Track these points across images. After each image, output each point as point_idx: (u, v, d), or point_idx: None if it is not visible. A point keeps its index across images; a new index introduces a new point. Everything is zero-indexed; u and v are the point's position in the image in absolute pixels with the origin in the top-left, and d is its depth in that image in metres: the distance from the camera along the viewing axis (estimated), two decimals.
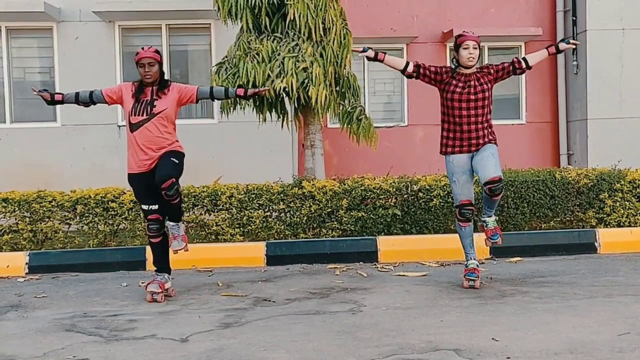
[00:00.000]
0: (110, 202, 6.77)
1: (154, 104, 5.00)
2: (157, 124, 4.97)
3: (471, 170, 5.18)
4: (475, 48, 5.08)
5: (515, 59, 5.25)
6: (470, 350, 3.58)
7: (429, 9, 10.66)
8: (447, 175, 5.40)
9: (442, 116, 5.36)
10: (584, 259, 6.38)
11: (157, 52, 5.09)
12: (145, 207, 5.08)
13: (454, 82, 5.17)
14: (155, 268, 5.23)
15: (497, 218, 5.23)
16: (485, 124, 5.16)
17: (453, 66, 5.22)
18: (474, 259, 5.23)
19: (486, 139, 5.16)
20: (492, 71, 5.18)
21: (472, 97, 5.11)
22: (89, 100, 5.14)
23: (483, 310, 4.45)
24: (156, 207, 5.05)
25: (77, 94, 5.17)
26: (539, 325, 4.04)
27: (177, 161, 5.02)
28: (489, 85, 5.15)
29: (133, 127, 4.99)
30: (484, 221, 5.23)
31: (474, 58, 5.08)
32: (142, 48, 5.08)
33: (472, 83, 5.12)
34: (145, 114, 4.96)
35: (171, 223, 5.17)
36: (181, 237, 5.17)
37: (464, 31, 5.19)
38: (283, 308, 4.72)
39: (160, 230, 5.12)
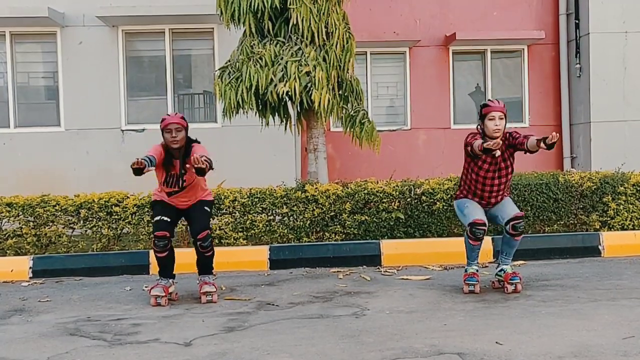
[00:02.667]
0: (113, 207, 6.78)
1: (184, 178, 5.07)
2: (188, 190, 5.14)
3: (484, 210, 5.20)
4: (502, 119, 4.93)
5: (524, 140, 4.90)
6: (474, 353, 3.57)
7: (432, 13, 10.67)
8: (456, 211, 5.35)
9: (465, 175, 5.23)
10: (588, 262, 6.36)
11: (183, 118, 5.10)
12: (157, 217, 5.11)
13: (482, 157, 4.99)
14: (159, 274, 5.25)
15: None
16: (507, 186, 5.22)
17: (481, 136, 5.03)
18: (475, 265, 5.22)
19: (503, 197, 5.23)
20: (512, 142, 4.97)
21: (497, 174, 5.07)
22: (150, 167, 4.95)
23: (487, 314, 4.45)
24: (168, 219, 5.10)
25: (149, 161, 4.91)
26: (543, 328, 4.04)
27: (209, 210, 5.29)
28: (512, 159, 5.09)
29: (168, 194, 5.16)
30: (502, 270, 5.19)
31: (499, 130, 4.93)
32: (168, 114, 5.11)
33: (499, 159, 5.03)
34: (177, 187, 5.11)
35: (203, 275, 5.29)
36: (212, 283, 5.21)
37: (488, 100, 5.10)
38: (286, 312, 4.72)
39: (167, 247, 5.13)
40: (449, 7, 10.68)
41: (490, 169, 5.04)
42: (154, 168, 4.92)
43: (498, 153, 4.95)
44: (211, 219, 6.70)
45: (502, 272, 5.18)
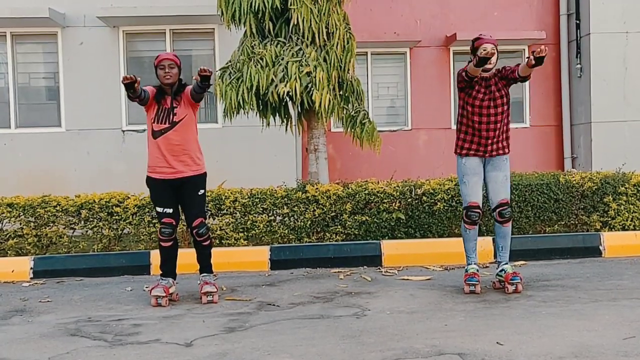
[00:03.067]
0: (114, 207, 6.79)
1: (175, 112, 5.03)
2: (179, 131, 5.03)
3: (482, 174, 5.19)
4: (494, 52, 4.94)
5: (516, 68, 5.01)
6: (474, 354, 3.57)
7: (432, 13, 10.67)
8: (457, 175, 5.40)
9: (460, 118, 5.25)
10: (589, 262, 6.36)
11: (176, 56, 5.15)
12: (159, 209, 5.10)
13: (476, 87, 5.08)
14: (161, 272, 5.24)
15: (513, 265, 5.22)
16: (504, 129, 5.16)
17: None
18: (475, 264, 5.23)
19: (502, 149, 5.18)
20: (504, 74, 5.09)
21: (493, 103, 5.07)
22: (143, 95, 5.00)
23: (487, 314, 4.45)
24: (171, 210, 5.09)
25: (144, 91, 5.02)
26: (543, 329, 4.03)
27: (203, 191, 5.20)
28: (507, 90, 5.11)
29: (156, 134, 5.05)
30: (503, 270, 5.19)
31: (492, 62, 5.02)
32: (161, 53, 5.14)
33: (493, 89, 5.07)
34: (167, 122, 5.02)
35: (204, 274, 5.28)
36: (212, 284, 5.19)
37: (480, 34, 5.15)
38: (287, 312, 4.72)
39: (172, 235, 5.12)
40: (450, 8, 10.68)
41: (485, 97, 5.05)
42: (146, 101, 4.95)
43: (491, 64, 5.01)
44: (211, 217, 6.77)
45: (503, 272, 5.18)
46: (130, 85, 4.70)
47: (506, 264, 5.22)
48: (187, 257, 6.43)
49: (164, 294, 5.05)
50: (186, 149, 5.06)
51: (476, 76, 4.94)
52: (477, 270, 5.20)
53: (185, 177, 5.07)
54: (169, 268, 5.21)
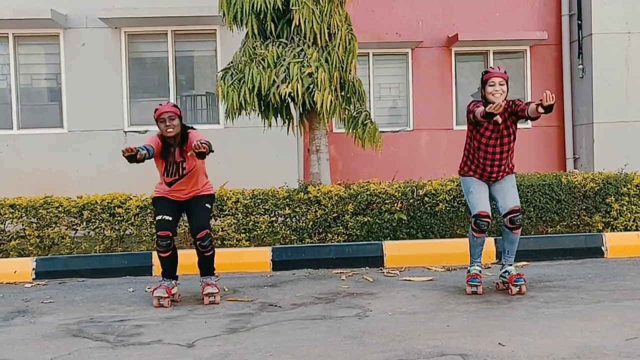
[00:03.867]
0: (116, 208, 6.79)
1: (184, 165, 5.06)
2: (189, 176, 5.11)
3: (488, 188, 5.20)
4: (502, 84, 4.93)
5: (525, 107, 4.80)
6: (476, 355, 3.57)
7: (434, 14, 10.67)
8: (462, 189, 5.36)
9: (467, 145, 5.23)
10: (591, 263, 6.35)
11: (175, 106, 5.10)
12: (159, 217, 5.07)
13: (484, 124, 4.99)
14: (162, 274, 5.24)
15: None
16: (508, 161, 5.15)
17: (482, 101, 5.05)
18: (478, 265, 5.22)
19: (506, 172, 5.19)
20: (514, 109, 4.90)
21: (500, 141, 5.04)
22: (148, 156, 4.92)
23: (489, 315, 4.44)
24: (170, 218, 5.08)
25: (147, 150, 4.90)
26: (545, 330, 4.03)
27: (209, 206, 5.28)
28: (515, 125, 5.05)
29: (168, 184, 5.12)
30: (506, 271, 5.18)
31: (499, 94, 4.92)
32: (160, 104, 5.08)
33: (501, 126, 5.00)
34: (177, 175, 5.08)
35: (205, 276, 5.29)
36: (214, 285, 5.21)
37: (490, 67, 5.16)
38: (289, 313, 4.72)
39: (170, 246, 5.11)
40: (452, 8, 10.68)
41: (492, 135, 5.01)
42: (151, 157, 4.90)
43: (499, 120, 4.93)
44: (213, 218, 6.76)
45: (507, 273, 5.17)
46: (132, 158, 4.70)
47: (510, 265, 5.22)
48: (188, 257, 6.42)
49: (166, 295, 5.06)
50: (196, 186, 5.19)
51: (483, 122, 4.93)
52: (480, 271, 5.20)
53: (192, 196, 5.20)
54: (170, 271, 5.23)
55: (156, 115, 5.00)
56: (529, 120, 4.95)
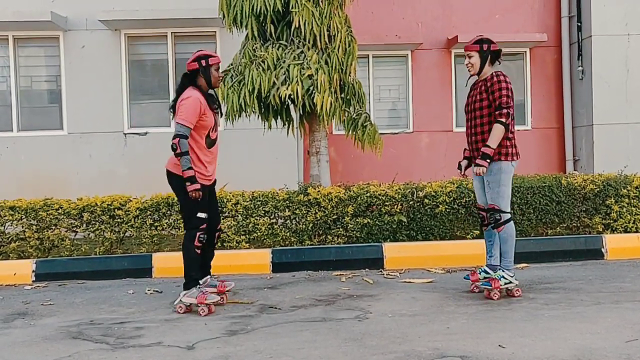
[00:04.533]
0: (116, 210, 6.79)
1: (217, 120, 5.03)
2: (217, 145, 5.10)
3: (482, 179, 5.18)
4: (471, 57, 5.02)
5: (497, 113, 4.90)
6: (476, 357, 3.57)
7: (434, 16, 10.68)
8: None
9: None
10: (591, 265, 6.35)
11: None
12: (203, 215, 4.94)
13: (472, 89, 5.20)
14: (194, 279, 4.99)
15: (503, 275, 5.01)
16: (485, 133, 4.98)
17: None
18: (486, 264, 5.22)
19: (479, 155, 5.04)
20: (489, 88, 4.97)
21: (471, 106, 5.10)
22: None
23: (489, 317, 4.44)
24: (206, 216, 5.01)
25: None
26: (545, 331, 4.03)
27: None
28: (488, 107, 4.97)
29: (211, 143, 4.98)
30: (484, 270, 5.17)
31: (470, 66, 5.07)
32: (206, 51, 4.99)
33: (475, 92, 5.11)
34: (217, 130, 5.03)
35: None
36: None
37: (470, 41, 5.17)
38: (289, 315, 4.72)
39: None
40: (451, 10, 10.69)
41: (465, 110, 5.22)
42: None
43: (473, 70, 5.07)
44: None
45: (484, 273, 5.17)
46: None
47: (492, 265, 5.14)
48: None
49: (220, 294, 5.06)
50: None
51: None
52: (477, 272, 5.22)
53: (214, 181, 5.16)
54: (204, 270, 5.20)
55: (214, 61, 4.90)
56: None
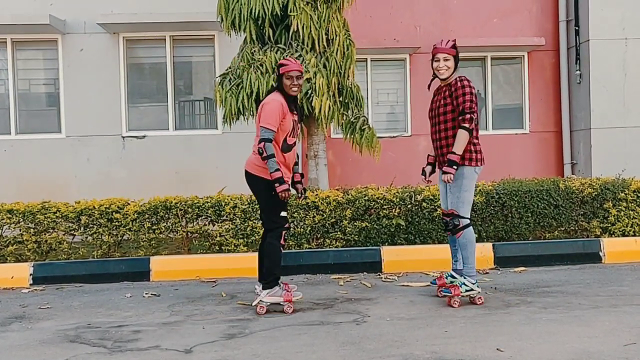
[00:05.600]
0: (114, 213, 6.79)
1: (298, 125, 5.02)
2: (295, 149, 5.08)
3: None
4: (447, 60, 4.94)
5: (460, 118, 4.87)
6: None
7: (432, 20, 10.70)
8: None
9: None
10: (589, 268, 6.36)
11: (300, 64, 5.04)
12: (284, 214, 4.98)
13: (436, 94, 5.17)
14: (278, 276, 5.01)
15: (464, 282, 4.96)
16: (449, 138, 4.94)
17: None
18: (451, 269, 5.23)
19: (445, 158, 4.95)
20: (453, 93, 4.93)
21: (435, 111, 5.06)
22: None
23: (488, 321, 4.44)
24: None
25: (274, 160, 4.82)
26: (544, 335, 4.03)
27: None
28: (453, 103, 4.93)
29: (288, 148, 4.97)
30: (450, 275, 5.16)
31: (446, 69, 4.95)
32: (284, 58, 5.01)
33: (439, 97, 5.05)
34: (295, 136, 5.01)
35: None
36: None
37: (441, 41, 5.03)
38: (287, 319, 4.71)
39: None
40: (450, 14, 10.71)
41: (430, 115, 5.17)
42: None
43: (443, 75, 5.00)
44: (211, 223, 6.76)
45: (449, 278, 5.16)
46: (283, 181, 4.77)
47: (456, 271, 5.11)
48: (187, 263, 6.45)
49: (299, 293, 5.07)
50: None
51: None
52: (444, 276, 5.24)
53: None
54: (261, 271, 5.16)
55: (284, 70, 4.89)
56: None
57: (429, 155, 5.30)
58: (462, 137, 4.81)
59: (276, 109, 4.83)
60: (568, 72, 10.63)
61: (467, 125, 4.81)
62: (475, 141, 4.95)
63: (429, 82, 5.28)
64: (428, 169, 5.29)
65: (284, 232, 4.99)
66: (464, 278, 4.96)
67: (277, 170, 4.76)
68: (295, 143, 5.04)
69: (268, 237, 5.00)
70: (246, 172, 5.02)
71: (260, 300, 4.94)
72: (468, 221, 4.92)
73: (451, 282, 5.11)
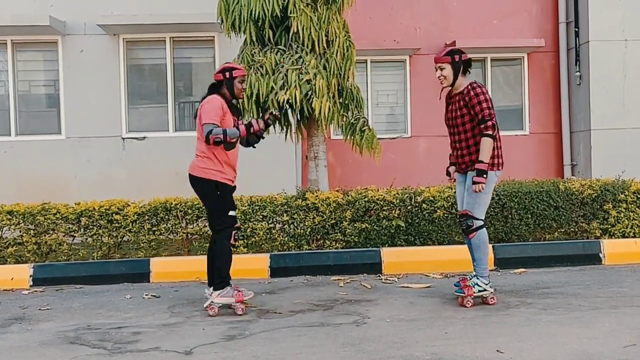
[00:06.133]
0: (114, 214, 6.79)
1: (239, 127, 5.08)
2: (237, 149, 5.14)
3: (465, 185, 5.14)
4: (443, 69, 4.97)
5: (482, 127, 4.87)
6: None
7: (432, 21, 10.70)
8: None
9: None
10: (589, 270, 6.36)
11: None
12: (233, 213, 5.04)
13: (450, 102, 5.18)
14: (229, 278, 5.05)
15: (477, 283, 4.97)
16: (469, 144, 4.97)
17: None
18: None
19: (469, 166, 4.99)
20: (467, 103, 4.94)
21: (453, 121, 5.08)
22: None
23: (487, 322, 4.44)
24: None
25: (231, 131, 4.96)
26: (543, 336, 4.03)
27: None
28: (470, 122, 4.94)
29: (230, 146, 5.05)
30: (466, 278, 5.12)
31: (443, 78, 5.00)
32: (229, 63, 5.15)
33: (454, 106, 5.05)
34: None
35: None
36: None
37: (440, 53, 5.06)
38: (287, 320, 4.71)
39: None
40: (449, 15, 10.71)
41: (447, 123, 5.20)
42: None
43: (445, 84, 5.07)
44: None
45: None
46: (231, 145, 4.87)
47: (474, 276, 5.03)
48: (187, 265, 6.45)
49: (250, 292, 5.08)
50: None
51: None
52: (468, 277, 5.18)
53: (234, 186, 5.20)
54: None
55: (237, 73, 5.04)
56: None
57: (450, 154, 5.30)
58: (486, 145, 4.82)
59: (216, 106, 4.95)
60: (568, 73, 10.63)
61: (490, 132, 4.83)
62: (499, 144, 4.99)
63: (440, 91, 5.31)
64: (452, 168, 5.31)
65: (233, 232, 5.02)
66: (477, 278, 4.98)
67: (238, 129, 4.92)
68: (237, 143, 5.13)
69: (218, 239, 5.03)
70: (190, 176, 5.05)
71: (212, 302, 4.97)
72: (482, 222, 4.96)
73: (466, 285, 5.06)
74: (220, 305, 4.97)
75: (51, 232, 6.84)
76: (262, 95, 6.85)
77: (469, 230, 4.94)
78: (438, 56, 5.02)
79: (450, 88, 5.10)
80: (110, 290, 6.07)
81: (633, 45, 10.07)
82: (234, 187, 5.14)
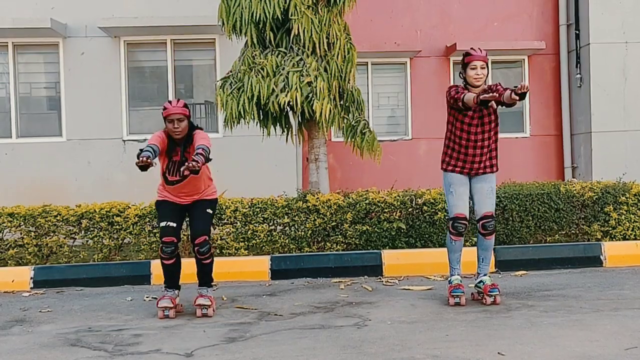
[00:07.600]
0: (115, 217, 6.79)
1: (179, 169, 5.01)
2: (191, 181, 5.00)
3: (469, 186, 5.14)
4: (483, 68, 4.91)
5: (503, 92, 4.74)
6: None
7: (433, 23, 10.71)
8: (443, 187, 5.31)
9: (448, 133, 5.21)
10: (590, 272, 6.35)
11: (185, 106, 4.98)
12: (163, 223, 4.99)
13: (472, 109, 4.98)
14: (165, 284, 5.16)
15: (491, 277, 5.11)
16: (492, 148, 5.07)
17: (462, 84, 5.05)
18: (458, 274, 5.17)
19: (489, 167, 5.09)
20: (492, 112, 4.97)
21: (481, 127, 4.99)
22: (155, 158, 4.81)
23: (489, 324, 4.44)
24: (174, 224, 5.00)
25: (153, 151, 4.72)
26: (545, 339, 4.02)
27: (211, 212, 5.18)
28: (496, 111, 5.01)
29: (169, 182, 5.01)
30: (481, 281, 5.14)
31: (481, 78, 4.92)
32: (169, 102, 4.96)
33: (483, 111, 4.98)
34: (178, 176, 4.96)
35: (201, 287, 5.18)
36: (207, 297, 5.10)
37: (471, 48, 5.01)
38: (288, 322, 4.71)
39: (174, 253, 5.05)
40: (450, 18, 10.72)
41: (475, 116, 4.96)
42: (156, 157, 4.73)
43: (494, 105, 4.94)
44: (213, 225, 6.74)
45: (482, 283, 5.12)
46: (144, 168, 4.58)
47: (485, 275, 5.15)
48: (187, 266, 6.42)
49: (172, 305, 5.00)
50: (197, 190, 5.09)
51: (471, 107, 4.86)
52: (461, 281, 5.16)
53: (195, 200, 5.12)
54: (173, 280, 5.16)
55: (165, 114, 4.91)
56: (503, 106, 4.82)
57: (454, 165, 5.24)
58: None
59: (155, 135, 4.90)
60: (568, 75, 10.64)
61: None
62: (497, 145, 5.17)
63: (455, 92, 4.99)
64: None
65: (162, 246, 5.02)
66: (487, 276, 5.14)
67: (147, 150, 4.64)
68: (178, 182, 4.98)
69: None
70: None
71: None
72: None
73: (483, 283, 5.12)
74: (163, 307, 5.02)
75: (52, 234, 6.84)
76: (263, 97, 6.86)
77: (494, 231, 5.08)
78: (480, 54, 4.92)
79: (473, 90, 4.93)
80: (111, 293, 6.07)
81: (633, 47, 10.08)
82: (187, 204, 5.11)
